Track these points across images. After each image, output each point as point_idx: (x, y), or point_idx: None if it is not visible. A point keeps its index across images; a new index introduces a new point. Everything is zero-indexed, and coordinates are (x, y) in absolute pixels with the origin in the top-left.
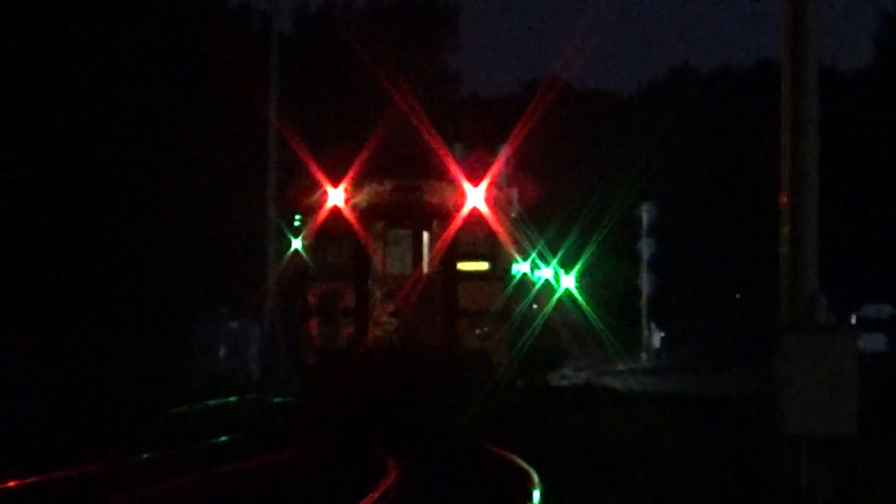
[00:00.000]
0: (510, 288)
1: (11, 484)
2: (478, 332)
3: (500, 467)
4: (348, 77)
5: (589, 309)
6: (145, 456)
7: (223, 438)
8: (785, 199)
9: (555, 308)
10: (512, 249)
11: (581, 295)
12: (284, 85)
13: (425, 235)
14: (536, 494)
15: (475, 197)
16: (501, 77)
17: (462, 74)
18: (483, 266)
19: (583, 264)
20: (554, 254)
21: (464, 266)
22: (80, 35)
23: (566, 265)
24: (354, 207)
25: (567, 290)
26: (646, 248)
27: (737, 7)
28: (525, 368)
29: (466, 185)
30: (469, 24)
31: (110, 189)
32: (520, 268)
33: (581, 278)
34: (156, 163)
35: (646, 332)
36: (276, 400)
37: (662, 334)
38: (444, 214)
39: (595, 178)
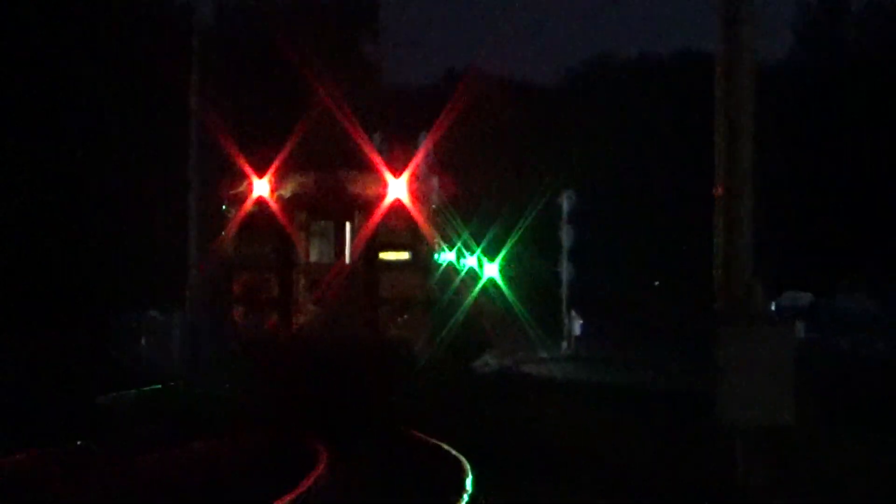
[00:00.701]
0: (431, 277)
1: None
2: (399, 320)
3: (429, 455)
4: (270, 68)
5: (512, 297)
6: (78, 443)
7: (150, 427)
8: (720, 190)
9: (479, 296)
10: (433, 239)
11: (504, 283)
12: (207, 75)
13: (347, 226)
14: (468, 482)
15: (397, 188)
16: (422, 67)
17: (382, 64)
18: (404, 256)
19: (506, 253)
20: (478, 243)
21: (385, 256)
22: None
23: (490, 254)
24: (279, 198)
25: (491, 279)
26: (566, 235)
27: None
28: (449, 356)
29: (388, 176)
30: (389, 14)
31: (33, 182)
32: (443, 257)
33: (504, 267)
34: (75, 152)
35: (566, 321)
36: (200, 388)
37: (581, 322)
38: (366, 205)
39: (517, 168)
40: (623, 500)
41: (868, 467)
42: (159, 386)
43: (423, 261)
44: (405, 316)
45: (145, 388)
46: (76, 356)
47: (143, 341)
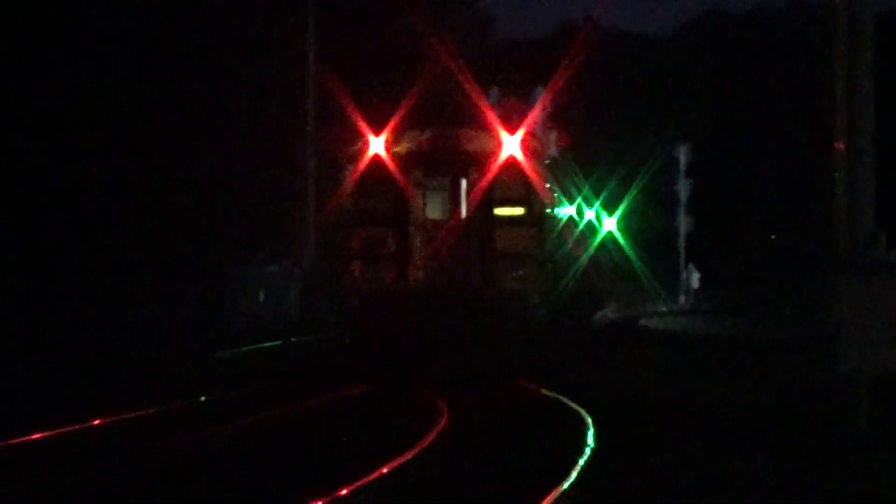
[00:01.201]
0: (547, 232)
1: (93, 423)
2: (514, 274)
3: (550, 409)
4: (385, 22)
5: (630, 251)
6: (202, 399)
7: (273, 382)
8: (841, 146)
9: (597, 250)
10: (548, 195)
11: (623, 237)
12: (322, 32)
13: (463, 182)
14: (590, 436)
15: (511, 145)
16: (536, 20)
17: (496, 18)
18: (519, 211)
19: (624, 207)
20: (597, 197)
21: (500, 211)
22: None
23: (609, 208)
24: (395, 156)
25: (610, 233)
26: (683, 189)
27: None
28: (567, 310)
29: (503, 133)
30: None
31: (153, 141)
32: (560, 212)
33: (623, 221)
34: (194, 108)
35: (684, 274)
36: (318, 343)
37: (699, 275)
38: (481, 162)
39: (634, 121)
40: (748, 451)
41: None
42: (278, 342)
43: (537, 216)
44: (520, 270)
45: (265, 344)
46: (195, 309)
47: (260, 296)
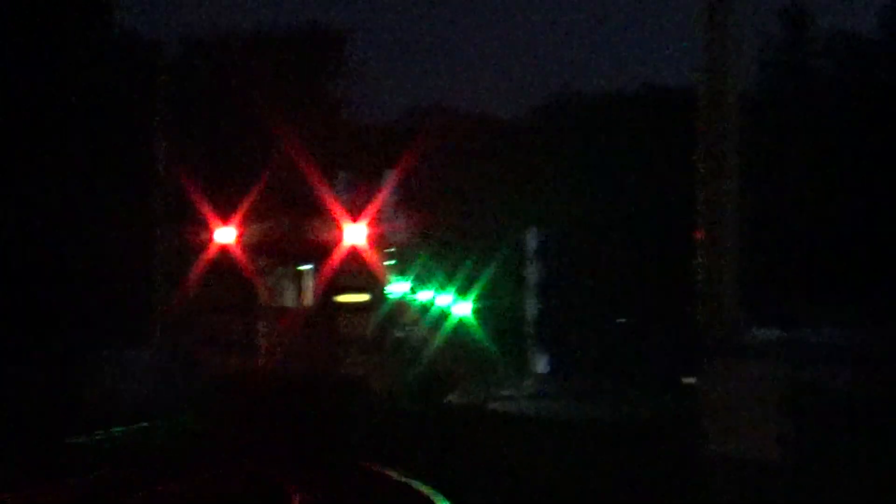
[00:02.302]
0: (390, 318)
1: None
2: (357, 360)
3: (398, 489)
4: (235, 106)
5: (480, 334)
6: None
7: (126, 467)
8: (701, 235)
9: (448, 334)
10: (393, 281)
11: (474, 321)
12: (170, 114)
13: (308, 270)
14: None
15: (354, 234)
16: (385, 104)
17: (346, 101)
18: (362, 298)
19: (476, 291)
20: (449, 280)
21: (343, 299)
22: None
23: (460, 292)
24: (242, 245)
25: (462, 317)
26: (532, 272)
27: (619, 32)
28: (415, 394)
29: (346, 223)
30: (353, 51)
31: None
32: (411, 296)
33: (474, 304)
34: (45, 194)
35: (531, 357)
36: (169, 427)
37: (547, 358)
38: (324, 250)
39: (484, 205)
40: None
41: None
42: (127, 428)
43: (380, 303)
44: (362, 356)
45: (117, 428)
46: (43, 393)
47: (111, 380)
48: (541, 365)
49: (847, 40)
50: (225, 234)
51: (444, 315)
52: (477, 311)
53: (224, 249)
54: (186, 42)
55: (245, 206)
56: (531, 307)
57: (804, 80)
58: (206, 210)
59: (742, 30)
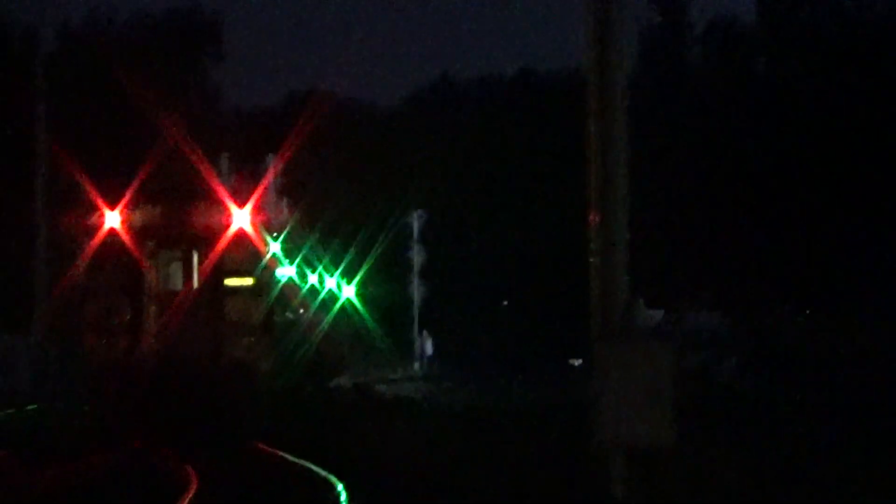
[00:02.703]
0: (277, 302)
1: None
2: (242, 342)
3: (295, 471)
4: (115, 93)
5: (366, 317)
6: None
7: (18, 450)
8: (596, 218)
9: (335, 318)
10: (278, 265)
11: (360, 304)
12: (51, 101)
13: (194, 254)
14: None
15: (240, 218)
16: (265, 89)
17: (226, 87)
18: (248, 282)
19: (361, 275)
20: (335, 265)
21: (230, 282)
22: None
23: (347, 275)
24: (129, 229)
25: (348, 300)
26: (416, 255)
27: (494, 17)
28: (301, 376)
29: (232, 207)
30: (232, 36)
31: None
32: (295, 279)
33: (360, 288)
34: None
35: (418, 341)
36: (57, 411)
37: (432, 341)
38: (211, 235)
39: (368, 189)
40: None
41: (748, 487)
42: (11, 412)
43: (266, 286)
44: (248, 339)
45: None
46: None
47: None
48: (427, 348)
49: (724, 28)
50: (110, 218)
51: (331, 298)
52: (363, 295)
53: (109, 234)
54: (64, 28)
55: (130, 190)
56: (417, 290)
57: (681, 69)
58: (91, 195)
59: (626, 9)
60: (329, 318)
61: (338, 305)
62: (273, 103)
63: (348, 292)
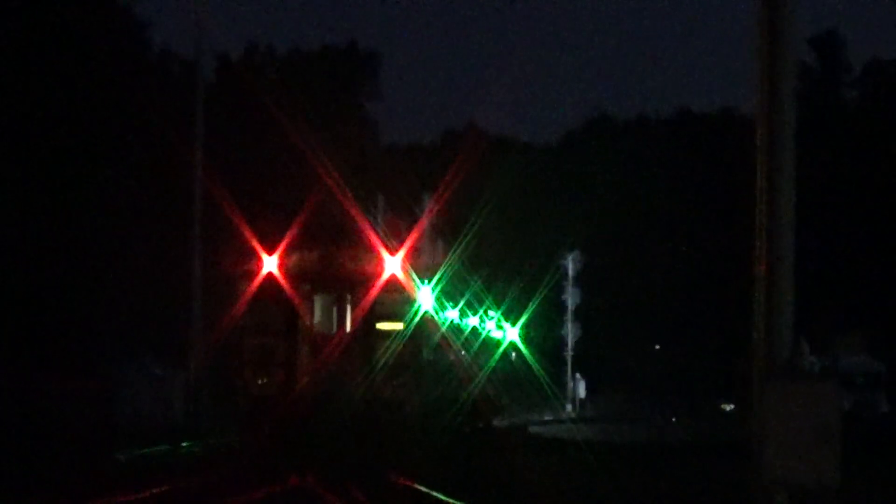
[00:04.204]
0: (426, 345)
1: None
2: (393, 383)
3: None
4: (271, 130)
5: (531, 360)
6: (122, 499)
7: (188, 482)
8: (763, 268)
9: (498, 359)
10: (430, 309)
11: (525, 346)
12: (208, 134)
13: (348, 298)
14: None
15: (392, 265)
16: (421, 126)
17: (382, 125)
18: (399, 326)
19: (526, 317)
20: (490, 306)
21: (381, 326)
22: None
23: (506, 317)
24: (286, 273)
25: (512, 342)
26: (571, 297)
27: (651, 56)
28: (465, 416)
29: (384, 254)
30: (390, 73)
31: (40, 238)
32: (453, 322)
33: (523, 330)
34: (85, 211)
35: (570, 383)
36: (204, 446)
37: (585, 382)
38: (364, 280)
39: (522, 230)
40: None
41: None
42: (168, 446)
43: (417, 330)
44: (398, 380)
45: (159, 447)
46: (83, 406)
47: (146, 398)
48: (580, 390)
49: (880, 68)
50: (268, 263)
51: (492, 340)
52: (522, 337)
53: (267, 277)
54: (223, 64)
55: (288, 234)
56: (571, 332)
57: (837, 109)
58: (252, 240)
59: (795, 48)
60: (493, 360)
61: (502, 348)
62: (429, 141)
63: (511, 334)
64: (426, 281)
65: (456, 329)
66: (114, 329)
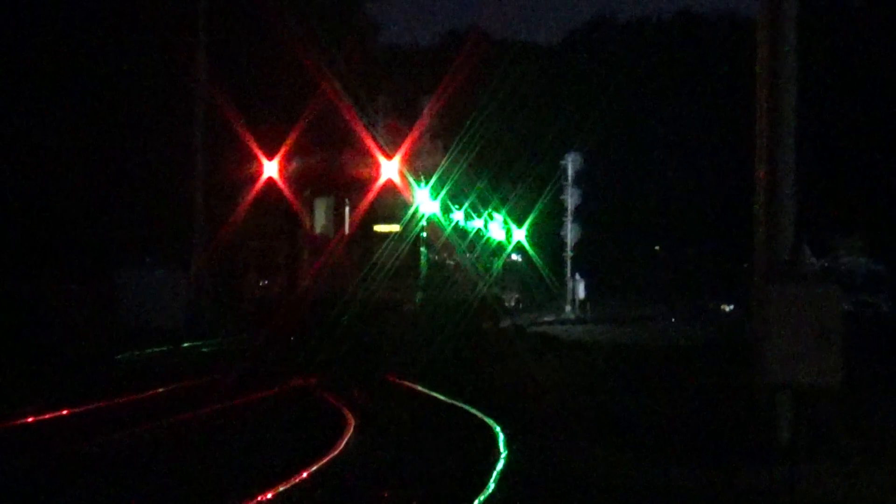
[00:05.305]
0: (425, 246)
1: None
2: (391, 284)
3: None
4: (273, 33)
5: (537, 260)
6: (122, 399)
7: (186, 382)
8: (762, 175)
9: (504, 261)
10: (429, 211)
11: (530, 247)
12: (210, 40)
13: (346, 201)
14: (500, 439)
15: (389, 168)
16: (422, 28)
17: (383, 24)
18: (395, 228)
19: (531, 218)
20: (494, 208)
21: (379, 228)
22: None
23: (511, 218)
24: (286, 178)
25: (518, 243)
26: (570, 198)
27: None
28: (452, 316)
29: (381, 159)
30: None
31: (39, 142)
32: (449, 225)
33: (529, 231)
34: (85, 115)
35: (570, 284)
36: (212, 347)
37: (584, 283)
38: (362, 184)
39: (523, 130)
40: (666, 459)
41: None
42: (168, 347)
43: (415, 231)
44: (396, 281)
45: (162, 348)
46: (86, 310)
47: (148, 300)
48: (579, 291)
49: None
50: (268, 168)
51: (495, 242)
52: (528, 238)
53: (270, 181)
54: None
55: (288, 140)
56: (570, 233)
57: (839, 7)
58: (253, 146)
59: None
60: (499, 261)
61: (509, 249)
62: (430, 43)
63: (518, 236)
64: (424, 183)
65: (461, 231)
66: (116, 232)
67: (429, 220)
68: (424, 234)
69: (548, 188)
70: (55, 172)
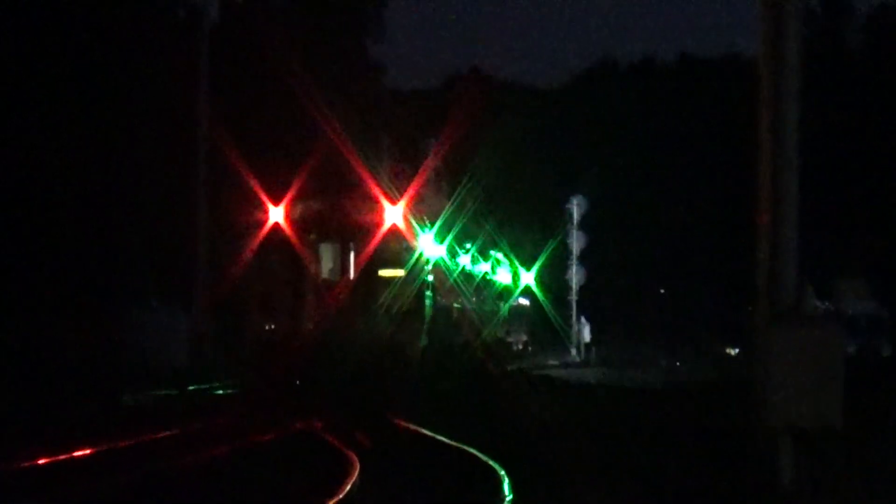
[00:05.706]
0: (428, 289)
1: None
2: (394, 327)
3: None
4: (275, 76)
5: (545, 304)
6: (125, 442)
7: (190, 425)
8: (765, 218)
9: (511, 304)
10: (431, 255)
11: (540, 291)
12: (212, 80)
13: (351, 246)
14: (505, 483)
15: (393, 214)
16: (424, 71)
17: (387, 66)
18: (400, 273)
19: (540, 262)
20: (501, 252)
21: (384, 273)
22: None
23: (514, 264)
24: (292, 223)
25: (527, 287)
26: (576, 241)
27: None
28: (480, 359)
29: (386, 204)
30: (394, 16)
31: (45, 180)
32: (456, 269)
33: (538, 275)
34: (88, 155)
35: (575, 327)
36: (215, 390)
37: (590, 326)
38: (367, 229)
39: (527, 174)
40: (664, 502)
41: None
42: (175, 391)
43: (419, 276)
44: (400, 325)
45: (164, 392)
46: (91, 350)
47: (150, 341)
48: (585, 335)
49: (885, 13)
50: (274, 213)
51: (502, 286)
52: (537, 282)
53: (276, 226)
54: (226, 4)
55: (294, 185)
56: (576, 276)
57: (842, 55)
58: (259, 191)
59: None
60: (506, 305)
61: (517, 293)
62: (434, 85)
63: (527, 279)
64: (429, 227)
65: (467, 275)
66: (121, 273)
67: (435, 265)
68: (430, 279)
69: (557, 233)
70: (59, 213)
